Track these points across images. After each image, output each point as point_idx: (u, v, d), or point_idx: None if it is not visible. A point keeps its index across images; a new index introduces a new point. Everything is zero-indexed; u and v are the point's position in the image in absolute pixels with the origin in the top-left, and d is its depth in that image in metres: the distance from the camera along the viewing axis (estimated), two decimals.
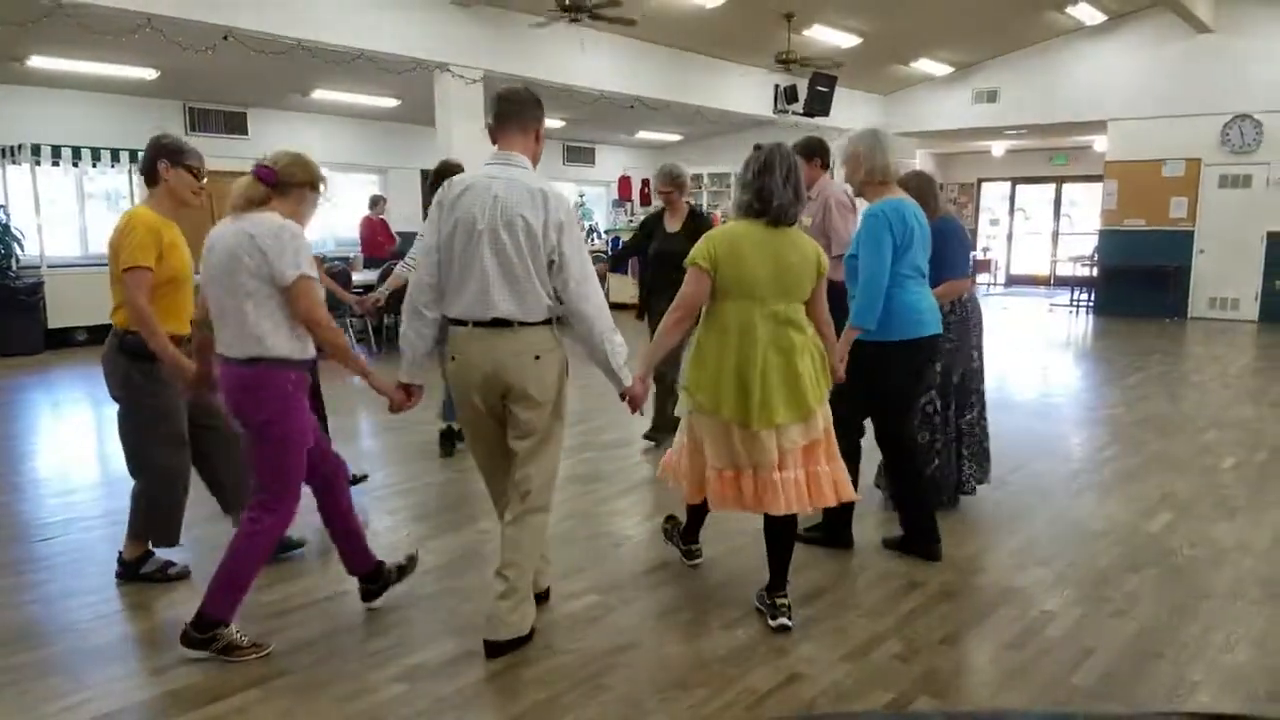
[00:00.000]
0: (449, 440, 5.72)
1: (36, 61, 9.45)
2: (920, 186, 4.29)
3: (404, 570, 3.59)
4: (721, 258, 3.20)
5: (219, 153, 11.97)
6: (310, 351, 3.14)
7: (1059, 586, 3.75)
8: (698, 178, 17.41)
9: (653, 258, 5.82)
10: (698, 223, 5.71)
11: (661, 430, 5.86)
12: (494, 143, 3.14)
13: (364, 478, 4.82)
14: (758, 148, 3.30)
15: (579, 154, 17.07)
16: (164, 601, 3.60)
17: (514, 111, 3.12)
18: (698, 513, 3.76)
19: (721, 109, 13.08)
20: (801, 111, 12.75)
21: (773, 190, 3.18)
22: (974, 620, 3.43)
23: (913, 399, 4.15)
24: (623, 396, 3.22)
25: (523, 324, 3.02)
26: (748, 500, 3.28)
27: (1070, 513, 4.71)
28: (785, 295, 3.24)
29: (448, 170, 5.12)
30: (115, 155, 10.39)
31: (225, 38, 7.97)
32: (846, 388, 3.82)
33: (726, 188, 16.94)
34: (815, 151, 5.17)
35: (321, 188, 3.22)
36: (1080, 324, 13.51)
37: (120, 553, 3.79)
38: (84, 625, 3.39)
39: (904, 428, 4.03)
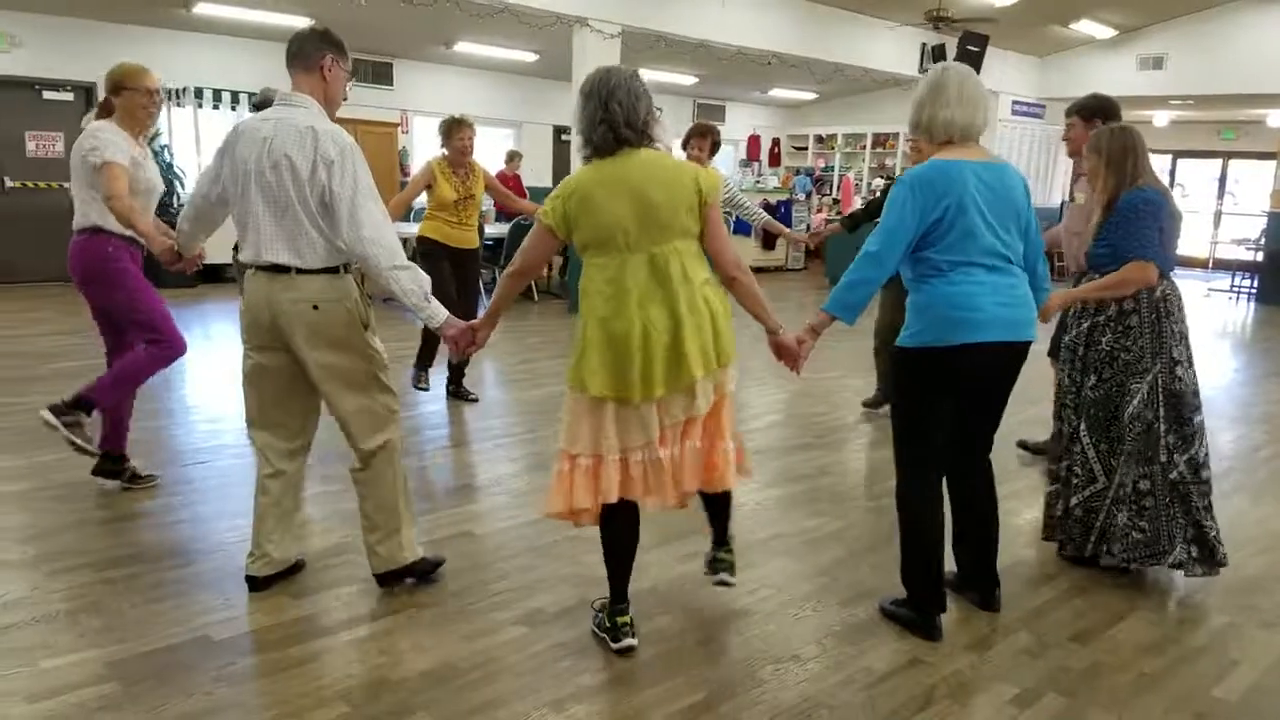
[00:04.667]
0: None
1: (201, 9, 9.89)
2: (1112, 150, 3.42)
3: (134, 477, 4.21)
4: (572, 212, 2.72)
5: (366, 102, 12.39)
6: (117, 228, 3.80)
7: (1203, 592, 3.54)
8: (832, 138, 17.03)
9: None
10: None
11: (882, 404, 5.95)
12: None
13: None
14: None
15: (709, 111, 16.83)
16: (303, 531, 3.78)
17: (294, 52, 3.03)
18: (615, 555, 2.93)
19: (863, 67, 12.67)
20: None
21: (597, 118, 2.70)
22: (1109, 620, 3.28)
23: (930, 425, 3.02)
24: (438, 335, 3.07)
25: (301, 271, 2.94)
26: (630, 489, 2.78)
27: (1220, 514, 4.39)
28: (658, 237, 2.68)
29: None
30: None
31: None
32: (892, 405, 3.19)
33: (861, 149, 16.47)
34: (1098, 111, 4.30)
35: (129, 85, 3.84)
36: (1240, 311, 12.66)
37: None
38: (231, 545, 3.59)
39: (913, 464, 3.06)
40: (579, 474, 2.76)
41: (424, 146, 13.22)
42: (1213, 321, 11.70)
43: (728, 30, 10.74)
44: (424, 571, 3.31)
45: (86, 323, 8.59)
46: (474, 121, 5.73)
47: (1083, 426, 3.55)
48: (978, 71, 12.15)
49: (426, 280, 2.98)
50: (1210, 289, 14.70)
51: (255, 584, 3.22)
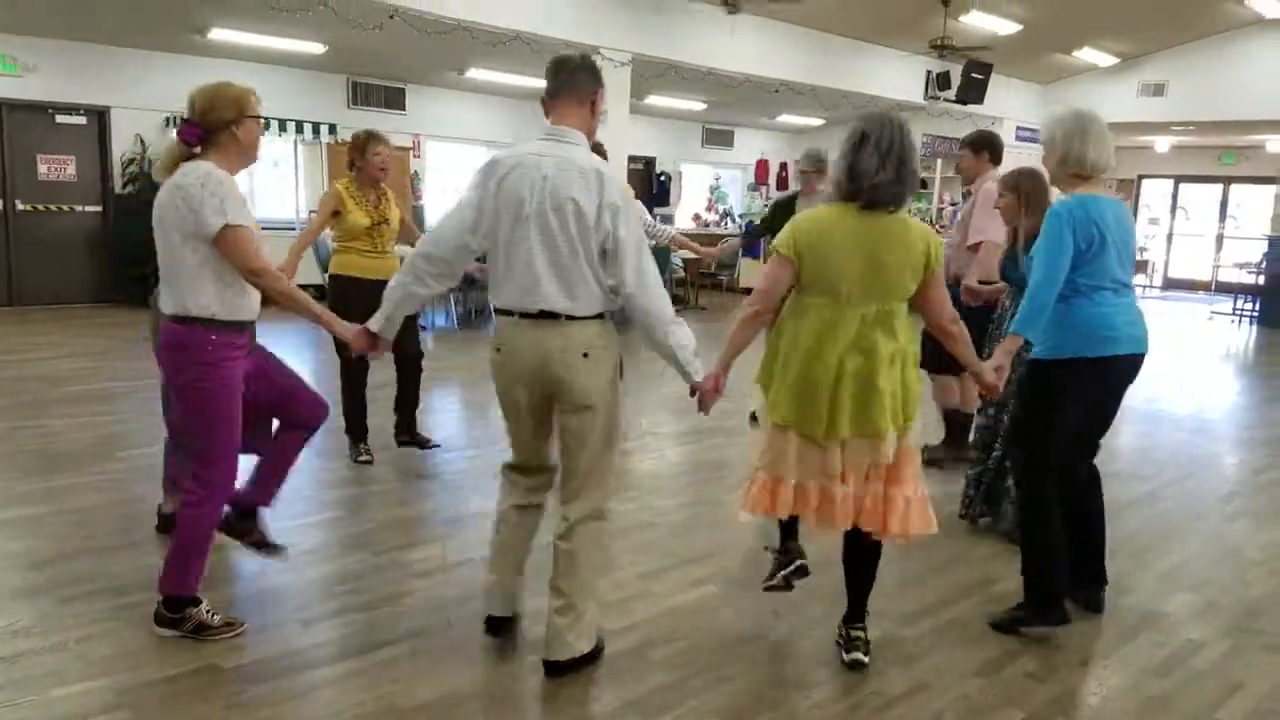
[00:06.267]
0: None
1: (216, 34, 10.01)
2: (1032, 191, 4.06)
3: (264, 547, 3.43)
4: (805, 247, 2.81)
5: (378, 126, 12.51)
6: (239, 312, 2.99)
7: (1208, 615, 3.56)
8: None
9: None
10: None
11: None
12: (547, 116, 2.89)
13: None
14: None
15: (717, 136, 16.95)
16: (310, 558, 3.81)
17: (568, 83, 2.85)
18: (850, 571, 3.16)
19: (869, 94, 12.78)
20: (954, 99, 12.34)
21: (865, 169, 2.75)
22: (1115, 643, 3.30)
23: (1058, 431, 3.34)
24: (693, 393, 2.95)
25: (571, 318, 2.76)
26: (803, 510, 2.95)
27: (1224, 537, 4.46)
28: (878, 296, 2.80)
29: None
30: (282, 125, 10.98)
31: (392, 16, 8.29)
32: (1014, 412, 3.61)
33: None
34: (985, 145, 5.26)
35: (251, 113, 3.01)
36: (1243, 335, 12.68)
37: (160, 506, 3.92)
38: (241, 573, 3.62)
39: (1041, 460, 3.35)
40: (770, 488, 2.96)
41: (436, 170, 13.39)
42: (1215, 345, 11.72)
43: (736, 59, 10.85)
44: (592, 659, 3.00)
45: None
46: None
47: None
48: (982, 99, 12.31)
49: (693, 336, 2.90)
50: (1213, 312, 14.73)
51: (497, 626, 3.07)
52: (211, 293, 2.89)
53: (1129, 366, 3.36)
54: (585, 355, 2.78)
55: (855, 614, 3.08)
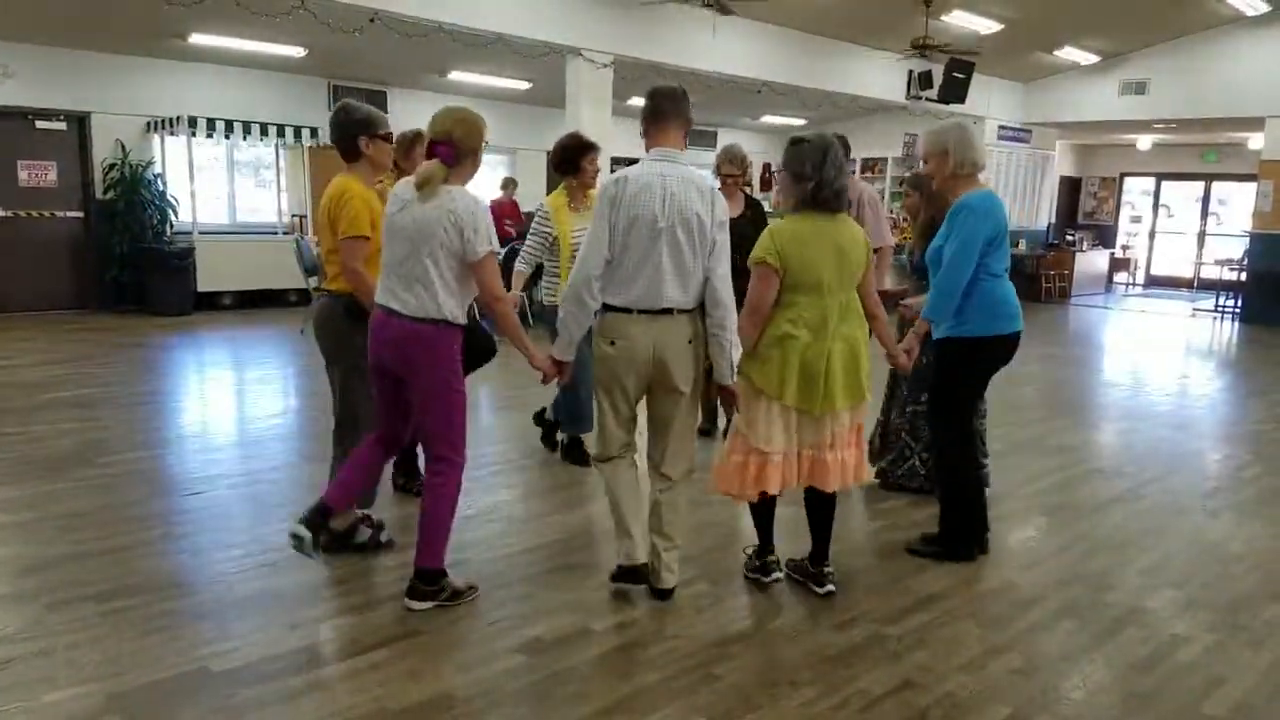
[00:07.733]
0: (552, 437, 5.49)
1: (196, 39, 9.96)
2: (928, 188, 4.37)
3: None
4: (789, 254, 3.28)
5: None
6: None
7: (1191, 610, 3.59)
8: None
9: None
10: (756, 210, 5.58)
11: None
12: (646, 136, 3.35)
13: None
14: (800, 141, 3.35)
15: (700, 137, 16.93)
16: (298, 562, 3.80)
17: (676, 109, 3.34)
18: (764, 516, 3.68)
19: (852, 94, 12.83)
20: (936, 98, 12.40)
21: (829, 179, 3.29)
22: (1099, 639, 3.33)
23: (974, 400, 4.12)
24: (719, 391, 3.45)
25: (682, 311, 3.29)
26: (794, 478, 3.44)
27: (1207, 533, 4.50)
28: (846, 285, 3.37)
29: (577, 144, 5.06)
30: (264, 129, 10.92)
31: (372, 20, 8.27)
32: (937, 387, 3.97)
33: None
34: (846, 151, 5.47)
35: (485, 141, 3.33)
36: (1225, 331, 12.79)
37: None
38: (229, 577, 3.61)
39: (963, 426, 3.96)
40: (753, 466, 3.39)
41: None
42: (1198, 341, 11.83)
43: (718, 60, 10.88)
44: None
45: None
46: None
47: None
48: (963, 98, 12.38)
49: None
50: (1195, 309, 14.85)
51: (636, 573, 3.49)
52: (460, 301, 3.26)
53: (1015, 342, 3.88)
54: (689, 342, 3.32)
55: (822, 556, 3.62)
